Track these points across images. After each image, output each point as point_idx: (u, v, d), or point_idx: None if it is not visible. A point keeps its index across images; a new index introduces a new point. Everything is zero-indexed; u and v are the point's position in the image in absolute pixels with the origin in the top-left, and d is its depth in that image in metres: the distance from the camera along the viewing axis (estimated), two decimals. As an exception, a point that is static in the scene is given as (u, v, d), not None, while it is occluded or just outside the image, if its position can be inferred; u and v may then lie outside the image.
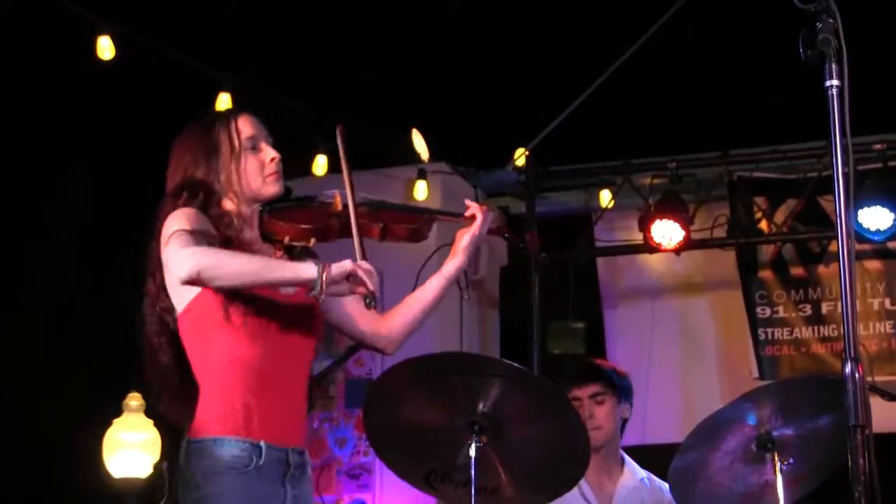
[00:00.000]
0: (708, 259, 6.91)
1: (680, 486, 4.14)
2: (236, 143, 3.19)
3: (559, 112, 6.54)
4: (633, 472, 4.82)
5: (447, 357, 3.92)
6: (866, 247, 6.36)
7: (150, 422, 6.62)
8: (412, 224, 3.36)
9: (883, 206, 6.08)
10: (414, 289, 3.54)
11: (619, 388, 4.80)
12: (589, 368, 4.88)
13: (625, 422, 4.86)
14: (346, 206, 3.18)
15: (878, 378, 6.15)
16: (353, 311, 3.38)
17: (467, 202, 3.46)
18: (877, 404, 4.17)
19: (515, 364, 3.89)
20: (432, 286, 3.44)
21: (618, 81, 6.36)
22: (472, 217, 3.41)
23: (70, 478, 6.97)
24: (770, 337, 6.69)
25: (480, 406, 3.84)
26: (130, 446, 6.46)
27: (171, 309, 3.14)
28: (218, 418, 3.07)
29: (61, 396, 7.18)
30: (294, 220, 3.22)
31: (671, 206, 6.39)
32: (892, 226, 6.13)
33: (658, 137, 6.70)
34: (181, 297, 3.11)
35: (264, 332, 3.11)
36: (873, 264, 6.58)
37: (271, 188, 3.21)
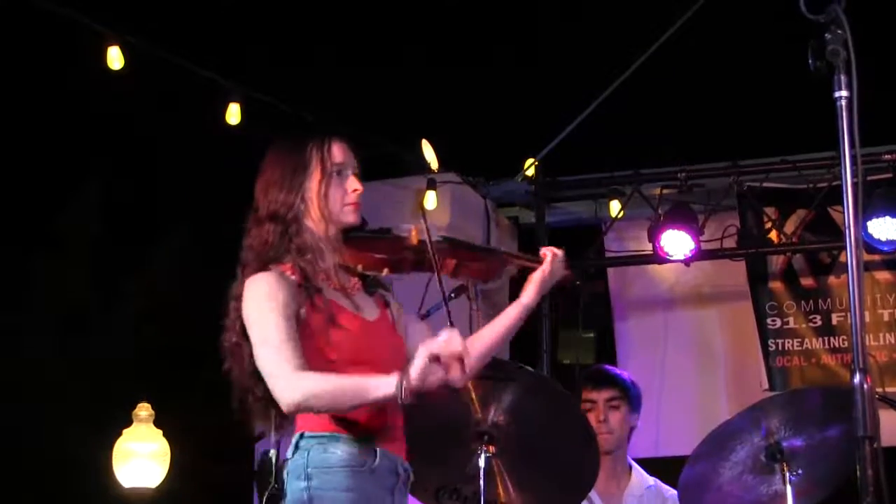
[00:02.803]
0: (718, 269, 6.89)
1: (689, 496, 4.14)
2: (328, 165, 3.20)
3: (569, 122, 6.53)
4: (641, 479, 4.86)
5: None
6: (876, 258, 6.34)
7: (160, 432, 6.64)
8: (484, 264, 3.45)
9: (892, 216, 6.03)
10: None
11: (633, 396, 4.89)
12: (607, 373, 5.00)
13: (631, 430, 4.93)
14: (421, 241, 3.28)
15: (888, 389, 6.12)
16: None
17: (543, 250, 3.55)
18: (887, 416, 4.16)
19: (529, 368, 3.91)
20: (508, 315, 3.46)
21: (627, 92, 6.36)
22: (543, 259, 3.52)
23: (80, 488, 6.99)
24: (780, 348, 6.67)
25: (491, 415, 3.85)
26: (140, 456, 6.48)
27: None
28: (332, 417, 3.07)
29: (71, 406, 7.20)
30: (369, 249, 3.30)
31: (681, 217, 6.37)
32: (902, 236, 6.10)
33: (667, 147, 6.70)
34: None
35: (361, 358, 3.10)
36: (883, 275, 6.56)
37: (349, 217, 3.23)
